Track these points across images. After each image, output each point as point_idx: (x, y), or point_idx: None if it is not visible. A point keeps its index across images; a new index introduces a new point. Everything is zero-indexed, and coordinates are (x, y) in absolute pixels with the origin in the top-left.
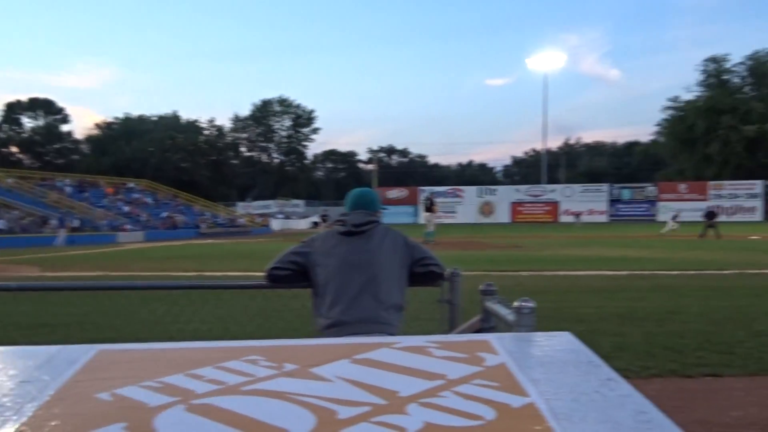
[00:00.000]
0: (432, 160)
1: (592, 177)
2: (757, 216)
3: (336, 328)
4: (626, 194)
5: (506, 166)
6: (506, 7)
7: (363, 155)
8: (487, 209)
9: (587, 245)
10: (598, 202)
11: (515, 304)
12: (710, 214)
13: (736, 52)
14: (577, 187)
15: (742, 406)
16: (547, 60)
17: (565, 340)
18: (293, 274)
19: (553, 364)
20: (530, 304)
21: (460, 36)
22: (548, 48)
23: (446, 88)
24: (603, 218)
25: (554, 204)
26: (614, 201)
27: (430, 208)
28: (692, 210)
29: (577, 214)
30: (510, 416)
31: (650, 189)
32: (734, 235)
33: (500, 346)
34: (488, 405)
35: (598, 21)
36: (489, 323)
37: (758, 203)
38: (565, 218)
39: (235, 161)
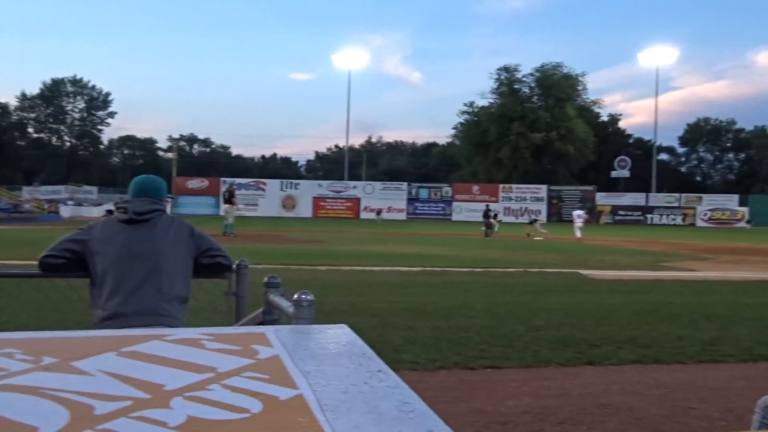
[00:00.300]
0: (235, 151)
1: (392, 175)
2: (542, 218)
3: (113, 321)
4: (424, 193)
5: (309, 161)
6: (312, 2)
7: (163, 143)
8: (289, 203)
9: (385, 242)
10: (397, 200)
11: (295, 296)
12: (487, 214)
13: (527, 63)
14: (378, 185)
15: (517, 395)
16: (351, 58)
17: (342, 332)
18: (68, 262)
19: (326, 356)
20: (309, 297)
21: (265, 27)
22: (353, 46)
23: (251, 79)
24: (402, 216)
25: (356, 200)
26: (412, 200)
27: (229, 200)
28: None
29: (378, 211)
30: (276, 408)
31: (446, 189)
32: (520, 236)
33: (276, 339)
34: (256, 397)
35: (402, 24)
36: (272, 316)
37: (543, 206)
38: (365, 215)
39: (21, 142)
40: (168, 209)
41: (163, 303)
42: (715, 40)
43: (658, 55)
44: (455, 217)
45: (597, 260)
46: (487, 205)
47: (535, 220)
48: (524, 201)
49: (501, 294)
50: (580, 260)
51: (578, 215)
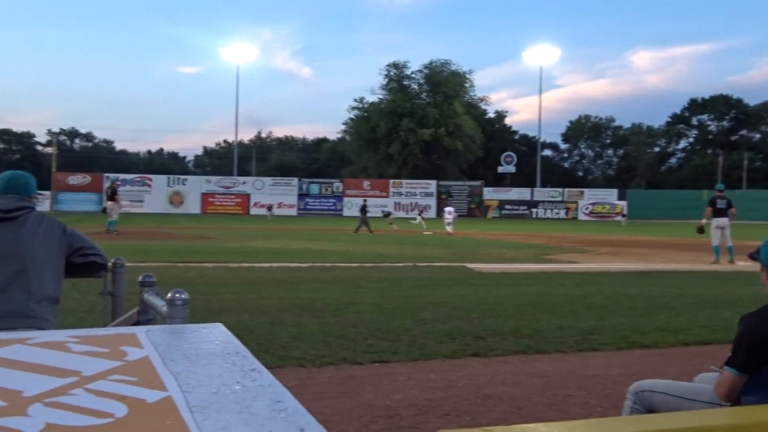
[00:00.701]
0: (119, 146)
1: (282, 171)
2: (431, 213)
3: None
4: (315, 189)
5: (198, 156)
6: None
7: (42, 137)
8: (176, 199)
9: (275, 238)
10: (288, 195)
11: (168, 295)
12: (364, 209)
13: (416, 60)
14: (268, 180)
15: (403, 389)
16: (239, 52)
17: (217, 331)
18: None
19: (199, 356)
20: (183, 296)
21: (152, 19)
22: (241, 40)
23: (137, 72)
24: (293, 212)
25: (245, 196)
26: (303, 195)
27: (112, 196)
28: (375, 206)
29: (269, 207)
30: (142, 412)
31: (337, 185)
32: (410, 230)
33: (147, 340)
34: (121, 401)
35: (291, 18)
36: (147, 315)
37: (432, 201)
38: (255, 211)
39: None
40: (47, 206)
41: (31, 304)
42: (595, 40)
43: (542, 54)
44: (346, 212)
45: (484, 254)
46: (364, 200)
47: (389, 213)
48: (414, 196)
49: (390, 288)
50: (468, 254)
51: (448, 212)
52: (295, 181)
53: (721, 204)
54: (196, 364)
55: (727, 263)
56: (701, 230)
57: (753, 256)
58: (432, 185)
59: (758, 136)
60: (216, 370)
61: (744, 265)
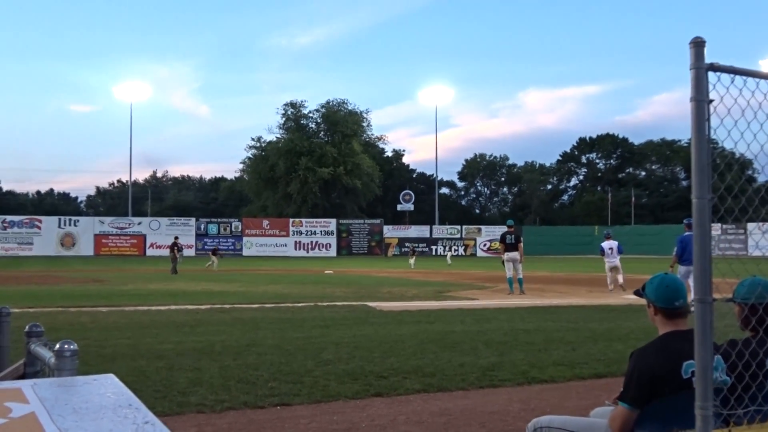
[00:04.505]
0: (6, 186)
1: (179, 211)
2: (332, 252)
3: None
4: (213, 229)
5: (90, 197)
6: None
7: None
8: (68, 241)
9: (173, 280)
10: (185, 236)
11: (56, 346)
12: (174, 247)
13: (314, 99)
14: (165, 221)
15: (305, 431)
16: (133, 90)
17: (108, 383)
18: None
19: (89, 410)
20: (72, 347)
21: (42, 55)
22: (135, 78)
23: (25, 109)
24: (191, 252)
25: (141, 237)
26: (201, 235)
27: None
28: (276, 245)
29: (215, 251)
30: None
31: (236, 224)
32: (311, 269)
33: (33, 394)
34: None
35: (188, 56)
36: (34, 368)
37: (333, 240)
38: (152, 252)
39: None
40: None
41: None
42: (489, 81)
43: (437, 95)
44: (246, 252)
45: (385, 292)
46: (176, 237)
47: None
48: (314, 235)
49: (291, 329)
50: (369, 292)
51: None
52: (192, 221)
53: (510, 239)
54: (85, 418)
55: (519, 293)
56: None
57: (639, 293)
58: (332, 224)
59: (643, 173)
60: (107, 424)
61: (632, 298)
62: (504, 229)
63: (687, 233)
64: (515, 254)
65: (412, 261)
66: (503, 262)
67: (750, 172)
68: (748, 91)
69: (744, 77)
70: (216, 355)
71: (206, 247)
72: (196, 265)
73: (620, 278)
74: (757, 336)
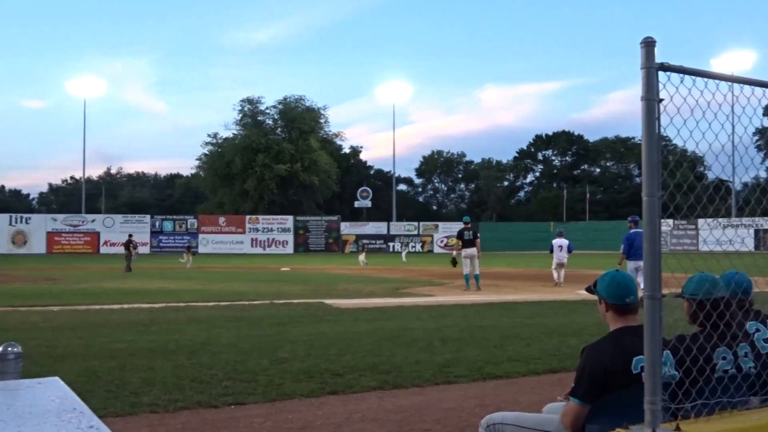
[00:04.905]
0: None
1: (134, 208)
2: (289, 249)
3: None
4: (168, 226)
5: (43, 194)
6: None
7: None
8: (19, 239)
9: (127, 278)
10: (140, 233)
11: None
12: (128, 244)
13: (271, 95)
14: (119, 218)
15: (260, 430)
16: (87, 85)
17: (54, 386)
18: None
19: (33, 414)
20: (16, 349)
21: None
22: (90, 73)
23: None
24: (146, 250)
25: (95, 234)
26: (156, 233)
27: None
28: (232, 243)
29: (189, 247)
30: None
31: (191, 221)
32: (268, 267)
33: None
34: None
35: (144, 51)
36: None
37: (290, 237)
38: (106, 249)
39: None
40: None
41: None
42: (447, 78)
43: (395, 91)
44: (202, 249)
45: (342, 289)
46: (130, 235)
47: (190, 247)
48: (271, 232)
49: (246, 328)
50: (326, 290)
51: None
52: (147, 218)
53: (467, 236)
54: (28, 423)
55: (475, 290)
56: (454, 262)
57: (590, 289)
58: (289, 220)
59: (598, 170)
60: (50, 429)
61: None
62: (461, 225)
63: (633, 230)
64: (473, 250)
65: (362, 258)
66: (453, 259)
67: (700, 169)
68: (697, 91)
69: (693, 77)
70: (170, 354)
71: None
72: (152, 262)
73: (562, 274)
74: (704, 331)
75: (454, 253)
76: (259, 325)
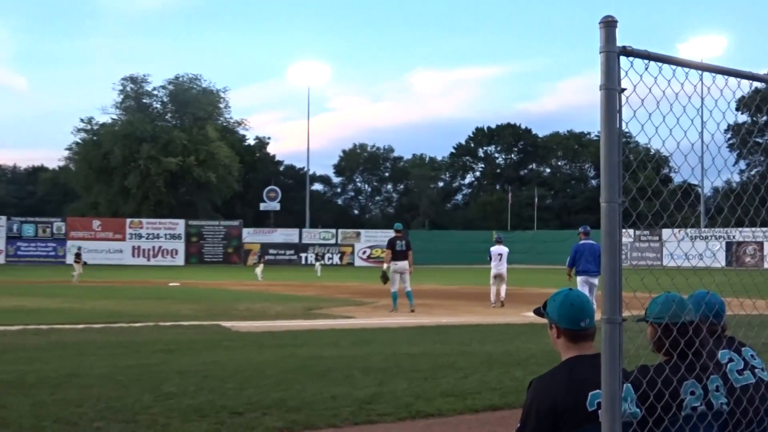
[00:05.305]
0: None
1: None
2: (179, 260)
3: None
4: (29, 230)
5: None
6: None
7: None
8: None
9: None
10: None
11: None
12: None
13: (159, 73)
14: None
15: None
16: None
17: None
18: None
19: None
20: None
21: None
22: None
23: None
24: (0, 259)
25: None
26: (14, 238)
27: None
28: (109, 252)
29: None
30: None
31: (58, 225)
32: (153, 281)
33: None
34: None
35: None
36: None
37: (180, 245)
38: None
39: None
40: None
41: None
42: (373, 58)
43: (310, 72)
44: (71, 259)
45: (243, 309)
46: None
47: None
48: (158, 239)
49: (125, 356)
50: (224, 310)
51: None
52: (3, 220)
53: (400, 246)
54: None
55: (409, 311)
56: (385, 278)
57: (539, 312)
58: (180, 225)
59: (548, 170)
60: None
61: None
62: (391, 233)
63: (583, 241)
64: (404, 264)
65: (258, 271)
66: (384, 274)
67: (666, 171)
68: (664, 80)
69: (659, 63)
70: (28, 389)
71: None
72: (8, 275)
73: (503, 290)
74: (670, 361)
75: (385, 266)
76: (140, 353)
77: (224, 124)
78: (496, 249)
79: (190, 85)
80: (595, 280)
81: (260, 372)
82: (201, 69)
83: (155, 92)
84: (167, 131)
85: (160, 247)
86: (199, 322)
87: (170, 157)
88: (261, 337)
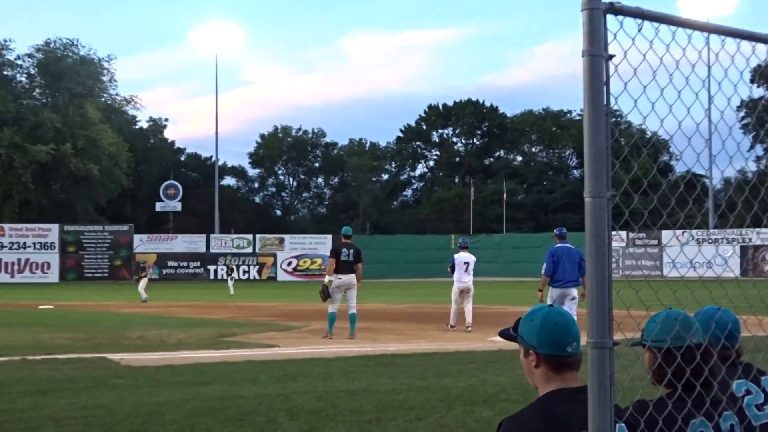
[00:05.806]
0: None
1: None
2: (53, 275)
3: None
4: None
5: None
6: None
7: None
8: None
9: None
10: None
11: None
12: None
13: (24, 38)
14: None
15: None
16: None
17: None
18: None
19: None
20: None
21: None
22: None
23: None
24: None
25: None
26: None
27: None
28: None
29: None
30: None
31: None
32: (18, 303)
33: None
34: None
35: None
36: None
37: (53, 257)
38: None
39: None
40: None
41: None
42: (297, 19)
43: (218, 37)
44: None
45: (135, 338)
46: None
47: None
48: (25, 249)
49: None
50: (110, 339)
51: None
52: None
53: (346, 255)
54: None
55: (348, 337)
56: (326, 294)
57: (507, 335)
58: (53, 231)
59: (519, 158)
60: None
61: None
62: (323, 239)
63: (559, 245)
64: (351, 278)
65: (231, 282)
66: (325, 289)
67: (666, 158)
68: (662, 45)
69: (656, 24)
70: None
71: None
72: None
73: (469, 310)
74: (674, 394)
75: (326, 279)
76: (4, 396)
77: (109, 102)
78: (461, 257)
79: (65, 53)
80: (575, 291)
81: (158, 417)
82: (78, 33)
83: (20, 62)
84: (35, 111)
85: (27, 260)
86: (79, 355)
87: (39, 144)
88: (158, 373)
